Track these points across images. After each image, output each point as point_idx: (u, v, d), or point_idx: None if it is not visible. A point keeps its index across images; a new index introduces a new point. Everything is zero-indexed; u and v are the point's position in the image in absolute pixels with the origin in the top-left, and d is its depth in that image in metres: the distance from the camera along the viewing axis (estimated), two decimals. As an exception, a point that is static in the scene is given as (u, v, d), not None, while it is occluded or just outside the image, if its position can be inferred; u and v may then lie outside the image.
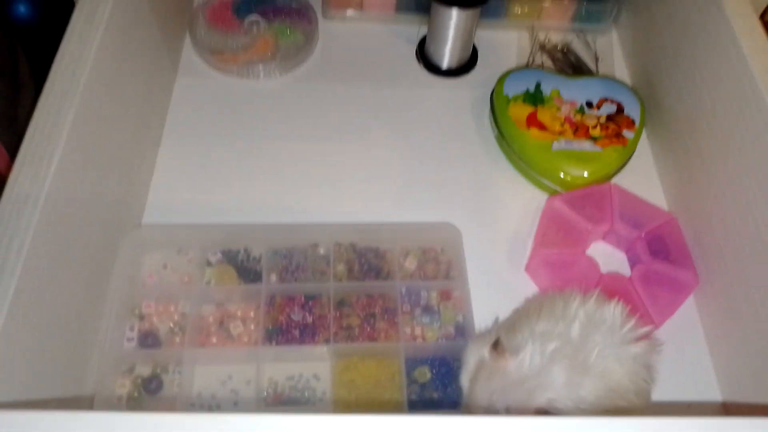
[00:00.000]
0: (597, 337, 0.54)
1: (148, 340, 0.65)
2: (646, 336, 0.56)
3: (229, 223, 0.73)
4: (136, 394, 0.62)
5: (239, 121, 0.84)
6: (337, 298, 0.68)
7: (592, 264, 0.71)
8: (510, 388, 0.53)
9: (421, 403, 0.63)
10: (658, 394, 0.60)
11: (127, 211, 0.71)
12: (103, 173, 0.64)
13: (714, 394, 0.66)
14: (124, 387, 0.63)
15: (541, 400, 0.51)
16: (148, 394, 0.62)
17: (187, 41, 0.91)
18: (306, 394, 0.64)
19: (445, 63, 0.90)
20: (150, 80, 0.77)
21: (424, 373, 0.65)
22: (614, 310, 0.56)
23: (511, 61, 0.92)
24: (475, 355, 0.58)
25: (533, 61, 0.92)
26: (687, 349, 0.68)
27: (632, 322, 0.56)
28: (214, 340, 0.66)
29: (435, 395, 0.64)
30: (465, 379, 0.59)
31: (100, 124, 0.62)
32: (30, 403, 0.50)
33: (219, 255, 0.71)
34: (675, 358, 0.66)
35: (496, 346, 0.54)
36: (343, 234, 0.72)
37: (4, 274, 0.47)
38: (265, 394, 0.63)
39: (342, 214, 0.75)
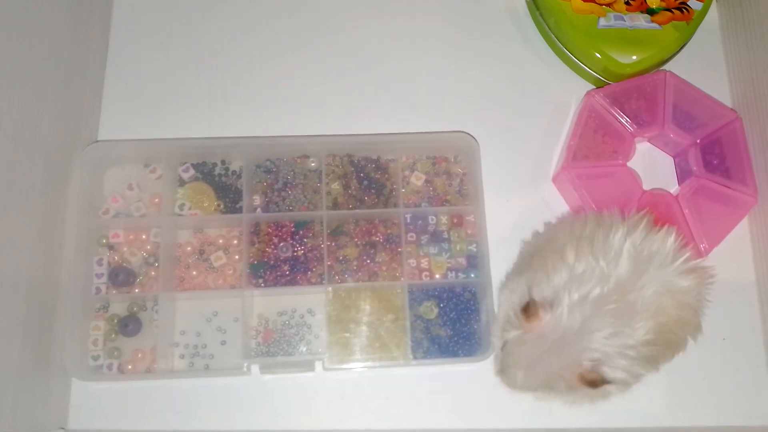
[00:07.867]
0: (650, 273, 0.46)
1: (120, 275, 0.57)
2: (697, 268, 0.49)
3: (202, 137, 0.61)
4: (113, 336, 0.57)
5: (209, 10, 0.66)
6: (332, 226, 0.59)
7: (633, 179, 0.60)
8: (549, 354, 0.45)
9: (426, 343, 0.57)
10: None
11: (77, 126, 0.59)
12: (35, 82, 0.52)
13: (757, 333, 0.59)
14: (98, 329, 0.56)
15: (584, 363, 0.44)
16: (125, 337, 0.57)
17: None
18: (300, 332, 0.58)
19: None
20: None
21: (431, 309, 0.58)
22: (665, 239, 0.48)
23: None
24: (507, 305, 0.50)
25: None
26: (734, 285, 0.59)
27: (686, 253, 0.49)
28: (194, 273, 0.58)
29: (443, 333, 0.57)
30: (497, 337, 0.50)
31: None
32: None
33: (192, 171, 0.60)
34: (721, 293, 0.58)
35: (527, 309, 0.45)
36: (337, 145, 0.60)
37: None
38: (255, 333, 0.57)
39: (336, 124, 0.62)
